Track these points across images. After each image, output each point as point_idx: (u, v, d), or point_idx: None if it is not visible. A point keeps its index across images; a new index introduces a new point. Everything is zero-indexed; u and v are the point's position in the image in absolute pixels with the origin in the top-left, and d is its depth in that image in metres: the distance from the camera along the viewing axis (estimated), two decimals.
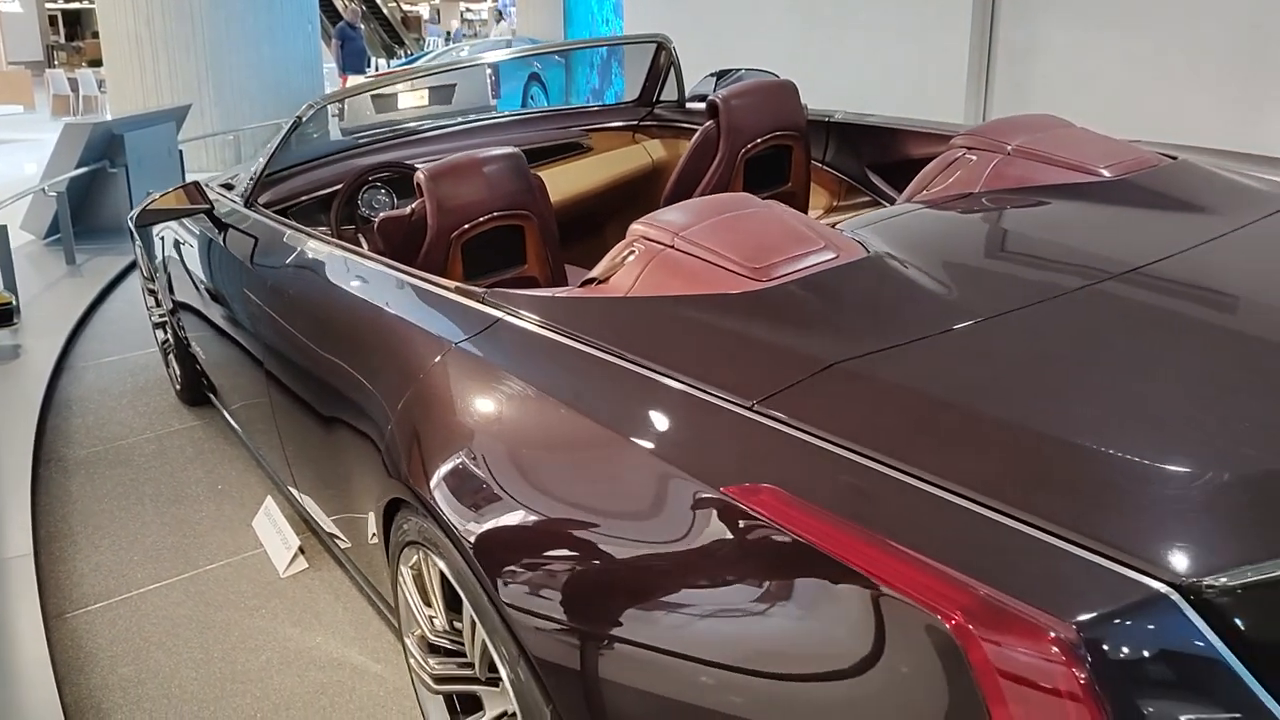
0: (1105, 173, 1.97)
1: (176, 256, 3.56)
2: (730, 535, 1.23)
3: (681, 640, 1.26)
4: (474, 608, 1.56)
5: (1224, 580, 1.05)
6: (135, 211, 3.02)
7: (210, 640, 2.65)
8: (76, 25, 23.54)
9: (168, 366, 4.43)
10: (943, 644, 1.03)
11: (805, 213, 2.76)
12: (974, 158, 2.13)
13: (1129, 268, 1.59)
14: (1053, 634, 0.99)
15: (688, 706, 1.24)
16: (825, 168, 3.38)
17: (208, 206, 3.05)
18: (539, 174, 2.75)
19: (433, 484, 1.61)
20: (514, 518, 1.48)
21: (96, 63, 10.58)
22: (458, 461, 1.60)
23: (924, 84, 5.51)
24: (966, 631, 1.01)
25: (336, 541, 2.55)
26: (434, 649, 1.89)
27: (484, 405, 1.64)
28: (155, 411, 4.29)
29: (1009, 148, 2.09)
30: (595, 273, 1.82)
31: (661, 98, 4.02)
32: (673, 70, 3.88)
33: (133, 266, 6.07)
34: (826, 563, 1.13)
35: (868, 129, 3.28)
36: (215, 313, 3.10)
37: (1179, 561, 1.06)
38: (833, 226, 1.81)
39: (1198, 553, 1.07)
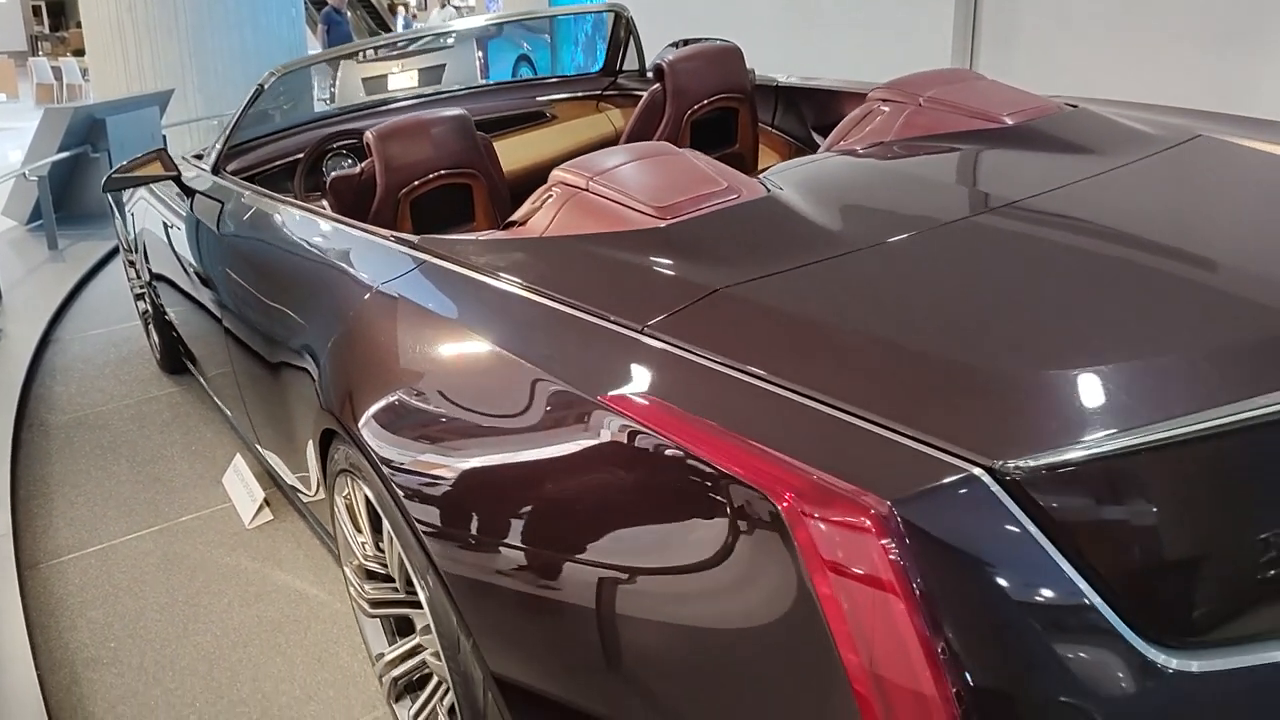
0: (1008, 120, 2.06)
1: (150, 227, 3.67)
2: (604, 439, 1.33)
3: (560, 539, 1.37)
4: (391, 526, 1.67)
5: (1033, 462, 1.15)
6: (105, 178, 3.12)
7: (176, 585, 2.76)
8: (61, 15, 23.53)
9: (148, 336, 4.54)
10: (774, 522, 1.13)
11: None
12: (888, 109, 2.23)
13: (1006, 201, 1.69)
14: (867, 509, 1.09)
15: (568, 604, 1.35)
16: (773, 130, 3.47)
17: (175, 173, 3.15)
18: (504, 141, 2.85)
19: (354, 412, 1.72)
20: (421, 438, 1.59)
21: (81, 52, 10.57)
22: (375, 390, 1.71)
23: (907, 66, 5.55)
24: (792, 508, 1.12)
25: (299, 495, 2.66)
26: (369, 575, 2.00)
27: (401, 338, 1.75)
28: (136, 380, 4.41)
29: (920, 99, 2.19)
30: (516, 216, 1.92)
31: (624, 68, 4.11)
32: (633, 40, 3.97)
33: (116, 252, 6.15)
34: (682, 456, 1.23)
35: (813, 91, 3.37)
36: (185, 280, 3.21)
37: (991, 445, 1.16)
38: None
39: (1009, 437, 1.17)
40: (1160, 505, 1.18)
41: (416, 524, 1.57)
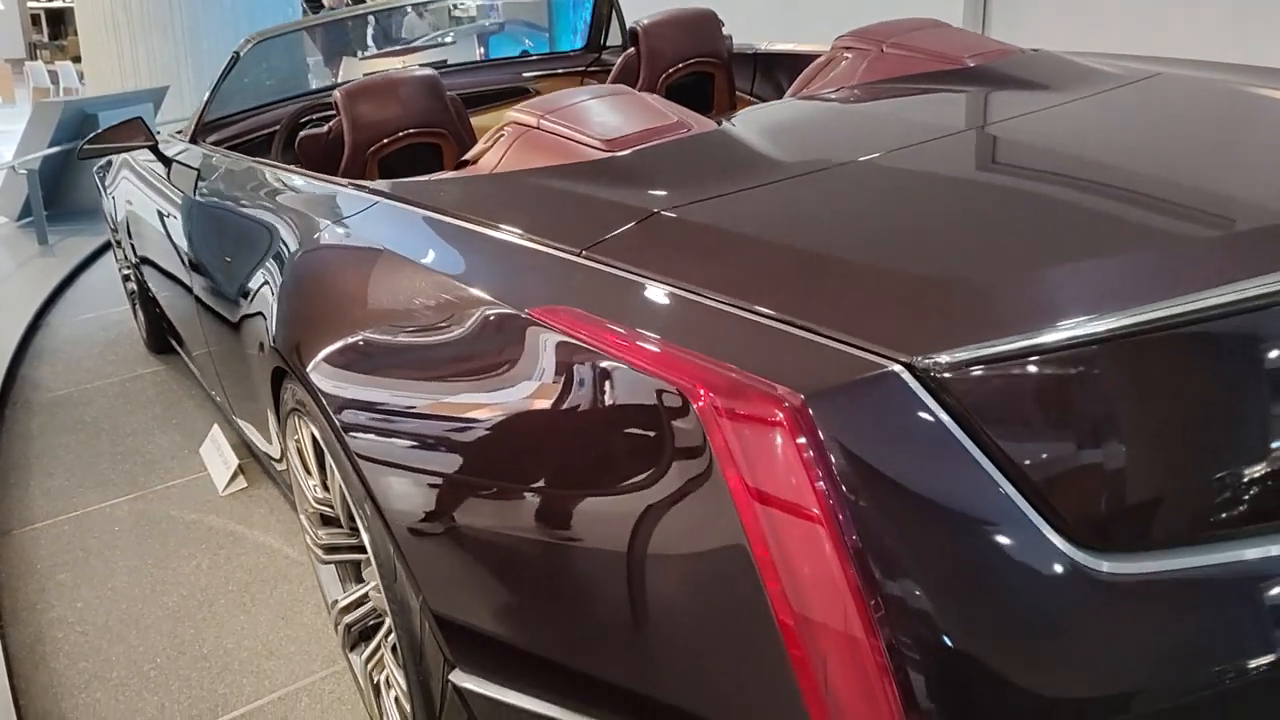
0: (969, 62, 2.05)
1: (132, 204, 3.67)
2: (531, 353, 1.32)
3: (489, 459, 1.35)
4: (331, 458, 1.66)
5: (952, 358, 1.13)
6: (80, 144, 3.12)
7: (146, 549, 2.76)
8: (60, 24, 23.65)
9: (135, 317, 4.54)
10: (692, 420, 1.11)
11: None
12: (851, 56, 2.21)
13: (952, 131, 1.67)
14: (780, 402, 1.07)
15: (496, 526, 1.34)
16: (752, 97, 3.46)
17: (152, 141, 3.15)
18: (487, 115, 2.84)
19: (299, 347, 1.71)
20: (358, 367, 1.58)
21: (79, 59, 10.55)
22: (319, 324, 1.70)
23: None
24: (707, 405, 1.10)
25: (272, 463, 2.65)
26: (323, 521, 1.98)
27: (345, 272, 1.74)
28: (123, 360, 4.41)
29: (883, 45, 2.17)
30: (468, 155, 1.91)
31: (608, 44, 4.10)
32: (616, 16, 3.96)
33: (107, 247, 6.14)
34: (605, 363, 1.21)
35: (790, 57, 3.36)
36: (164, 255, 3.20)
37: (910, 343, 1.14)
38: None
39: (929, 335, 1.15)
40: (1084, 405, 1.16)
41: (354, 453, 1.55)
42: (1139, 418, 1.17)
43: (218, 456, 3.17)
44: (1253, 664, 1.14)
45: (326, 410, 1.61)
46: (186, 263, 2.81)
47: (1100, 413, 1.16)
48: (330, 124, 2.65)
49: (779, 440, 1.07)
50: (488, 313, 1.40)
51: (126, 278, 4.51)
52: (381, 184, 1.87)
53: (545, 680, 1.34)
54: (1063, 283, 1.22)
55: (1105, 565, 1.14)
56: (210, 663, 2.26)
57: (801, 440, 1.07)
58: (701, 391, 1.11)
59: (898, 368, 1.13)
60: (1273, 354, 1.20)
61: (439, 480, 1.43)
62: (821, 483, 1.07)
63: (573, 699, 1.32)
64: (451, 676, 1.48)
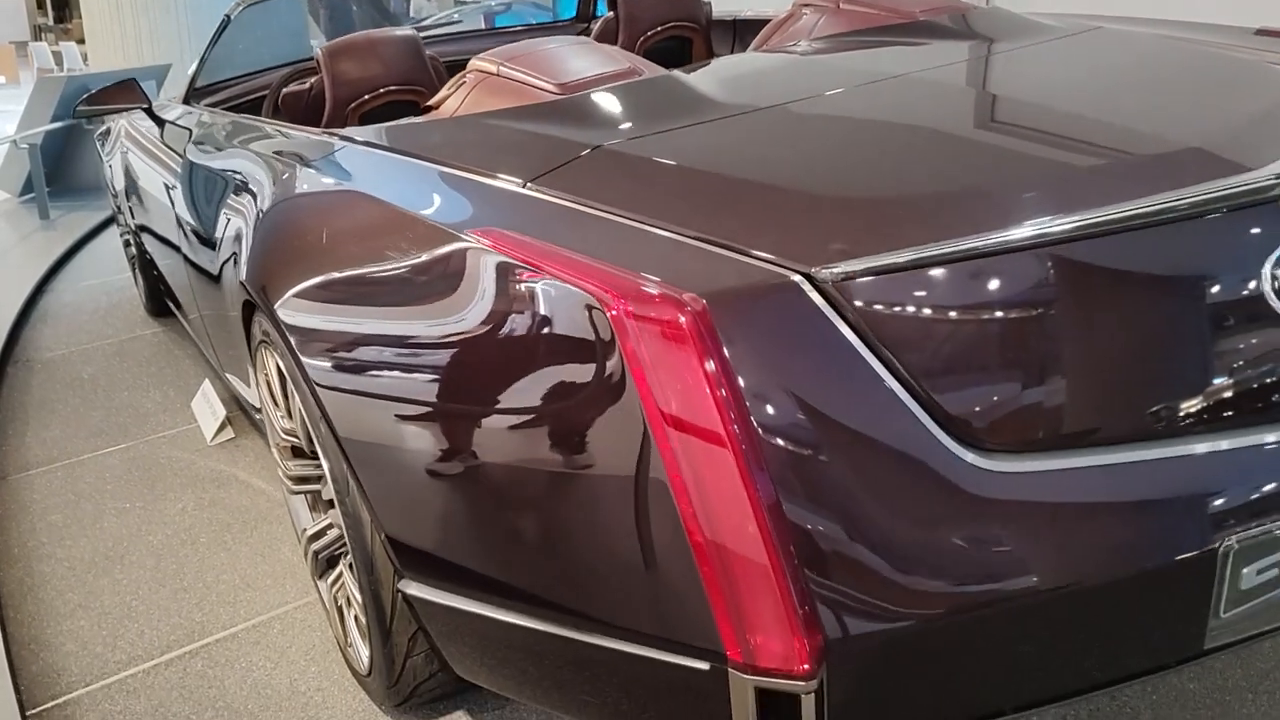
0: (919, 17, 2.11)
1: (129, 167, 3.76)
2: (468, 272, 1.40)
3: (425, 377, 1.43)
4: (291, 383, 1.74)
5: (848, 268, 1.20)
6: (75, 104, 3.21)
7: (135, 493, 2.86)
8: (64, 6, 23.72)
9: (135, 281, 4.64)
10: (605, 324, 1.19)
11: None
12: (809, 12, 2.28)
13: (887, 76, 1.74)
14: (683, 306, 1.15)
15: (433, 440, 1.42)
16: None
17: (146, 103, 3.24)
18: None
19: (264, 279, 1.80)
20: (314, 294, 1.66)
21: (84, 41, 10.60)
22: (281, 255, 1.78)
23: None
24: (618, 312, 1.18)
25: (256, 414, 2.74)
26: (294, 453, 2.07)
27: (311, 209, 1.82)
28: (123, 322, 4.52)
29: (839, 2, 2.24)
30: (431, 102, 1.99)
31: (597, 13, 4.17)
32: None
33: (109, 223, 6.22)
34: (532, 278, 1.29)
35: (768, 22, 3.41)
36: (158, 215, 3.29)
37: (810, 255, 1.22)
38: None
39: (827, 248, 1.23)
40: (974, 315, 1.23)
41: (310, 378, 1.63)
42: (1025, 329, 1.24)
43: (207, 409, 3.26)
44: (1124, 558, 1.22)
45: (286, 338, 1.69)
46: (178, 222, 2.90)
47: (989, 323, 1.24)
48: (312, 81, 2.73)
49: (682, 342, 1.15)
50: (433, 239, 1.48)
51: (127, 243, 4.61)
52: (349, 130, 1.95)
53: (483, 585, 1.42)
54: (957, 203, 1.30)
55: (992, 465, 1.22)
56: (190, 594, 2.35)
57: (703, 342, 1.15)
58: (611, 297, 1.19)
59: (798, 278, 1.20)
60: (1152, 273, 1.28)
61: (385, 400, 1.51)
62: (723, 389, 1.15)
63: (509, 603, 1.40)
64: (400, 585, 1.57)
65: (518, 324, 1.32)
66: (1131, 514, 1.23)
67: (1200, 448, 1.27)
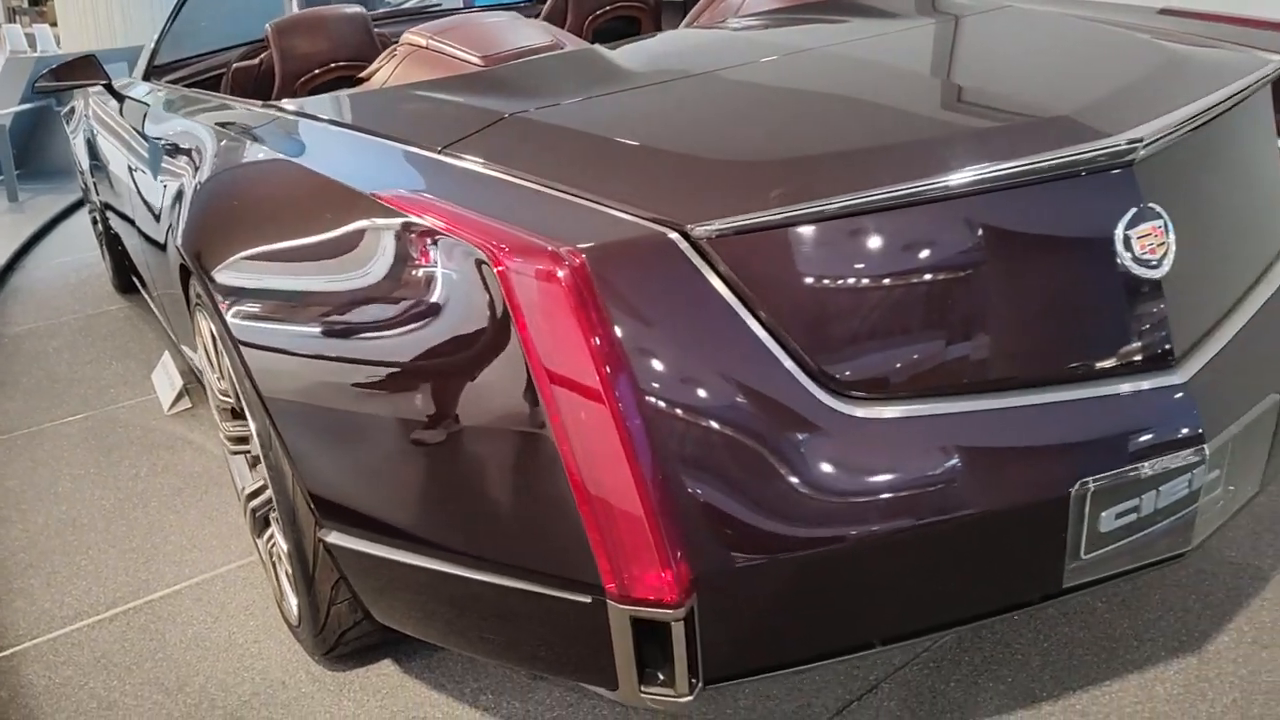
0: None
1: (94, 147, 3.81)
2: (376, 230, 1.47)
3: (340, 328, 1.50)
4: (220, 343, 1.81)
5: (721, 225, 1.28)
6: (34, 80, 3.26)
7: (90, 460, 2.92)
8: None
9: (104, 258, 4.69)
10: (490, 276, 1.27)
11: None
12: None
13: (786, 51, 1.82)
14: (561, 260, 1.23)
15: (348, 383, 1.49)
16: None
17: (106, 79, 3.29)
18: None
19: (196, 243, 1.86)
20: (241, 255, 1.73)
21: (57, 24, 10.56)
22: (214, 220, 1.85)
23: None
24: (504, 263, 1.25)
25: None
26: (232, 414, 2.14)
27: (242, 176, 1.89)
28: (91, 298, 4.57)
29: None
30: (364, 74, 2.06)
31: None
32: None
33: (78, 205, 6.23)
34: (429, 233, 1.36)
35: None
36: (120, 192, 3.34)
37: (685, 213, 1.29)
38: None
39: (703, 206, 1.30)
40: (839, 270, 1.31)
41: (234, 336, 1.70)
42: (887, 285, 1.32)
43: (166, 380, 3.33)
44: (981, 499, 1.30)
45: (214, 299, 1.76)
46: (135, 195, 2.95)
47: (854, 278, 1.31)
48: (261, 56, 2.79)
49: (560, 294, 1.23)
50: (344, 202, 1.55)
51: (94, 220, 4.66)
52: (284, 102, 2.02)
53: (393, 532, 1.50)
54: (831, 165, 1.37)
55: (855, 411, 1.30)
56: (138, 554, 2.42)
57: (580, 293, 1.22)
58: (496, 251, 1.26)
59: (675, 235, 1.28)
60: (1011, 232, 1.35)
61: (300, 357, 1.59)
62: (599, 339, 1.22)
63: (416, 547, 1.48)
64: (320, 534, 1.64)
65: (417, 281, 1.39)
66: (988, 457, 1.32)
67: (1053, 397, 1.35)
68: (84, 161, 4.20)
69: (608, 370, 1.22)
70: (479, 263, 1.27)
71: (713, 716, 1.74)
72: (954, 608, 1.38)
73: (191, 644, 2.07)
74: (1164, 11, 2.05)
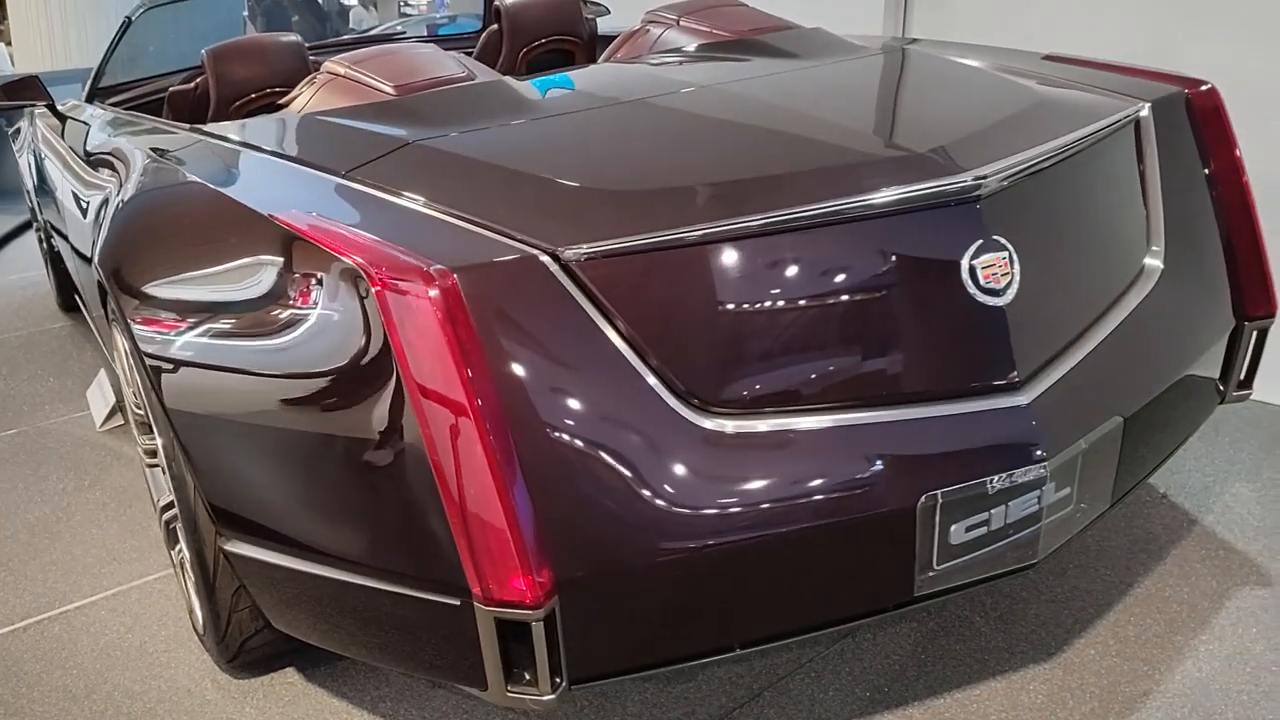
0: (745, 36, 2.29)
1: (38, 166, 3.85)
2: (271, 249, 1.54)
3: (235, 342, 1.57)
4: (131, 358, 1.87)
5: (590, 249, 1.36)
6: None
7: (19, 475, 2.95)
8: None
9: (49, 276, 4.71)
10: (369, 293, 1.34)
11: None
12: (651, 28, 2.46)
13: (681, 87, 1.93)
14: (432, 279, 1.30)
15: (242, 398, 1.56)
16: None
17: (48, 100, 3.34)
18: None
19: (111, 261, 1.92)
20: (150, 273, 1.79)
21: (11, 43, 10.51)
22: (129, 238, 1.92)
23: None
24: (380, 278, 1.32)
25: None
26: (147, 427, 2.19)
27: (159, 197, 1.95)
28: (34, 316, 4.58)
29: (679, 20, 2.41)
30: (284, 100, 2.14)
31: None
32: None
33: (28, 225, 6.21)
34: (314, 252, 1.44)
35: None
36: (60, 210, 3.39)
37: (557, 237, 1.37)
38: None
39: (573, 231, 1.39)
40: (700, 293, 1.40)
41: (141, 351, 1.76)
42: (747, 306, 1.41)
43: (100, 397, 3.36)
44: (832, 510, 1.38)
45: (124, 313, 1.82)
46: (71, 214, 3.00)
47: (715, 300, 1.40)
48: (197, 80, 2.86)
49: (431, 311, 1.30)
50: (245, 223, 1.62)
51: (40, 239, 4.68)
52: (208, 126, 2.09)
53: (285, 540, 1.56)
54: (696, 195, 1.46)
55: (713, 425, 1.38)
56: (57, 567, 2.46)
57: (450, 311, 1.30)
58: (374, 270, 1.33)
59: (545, 257, 1.36)
60: (864, 260, 1.45)
61: (200, 370, 1.65)
62: (468, 355, 1.30)
63: (305, 555, 1.54)
64: (220, 543, 1.70)
65: (305, 298, 1.46)
66: (839, 470, 1.40)
67: (902, 414, 1.44)
68: (29, 181, 4.24)
69: (474, 385, 1.29)
70: (358, 280, 1.35)
71: None
72: (811, 613, 1.46)
73: (103, 653, 2.11)
74: (1048, 58, 2.17)
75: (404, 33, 10.67)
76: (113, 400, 3.28)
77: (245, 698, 1.94)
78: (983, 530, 1.49)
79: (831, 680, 1.86)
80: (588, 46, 3.44)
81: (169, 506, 2.16)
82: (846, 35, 2.35)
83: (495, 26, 3.34)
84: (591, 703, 1.85)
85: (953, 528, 1.47)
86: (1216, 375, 1.90)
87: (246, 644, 1.87)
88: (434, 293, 1.30)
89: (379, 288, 1.33)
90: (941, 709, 1.78)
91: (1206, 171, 1.88)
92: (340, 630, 1.59)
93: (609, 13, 4.12)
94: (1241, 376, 1.93)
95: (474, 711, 1.86)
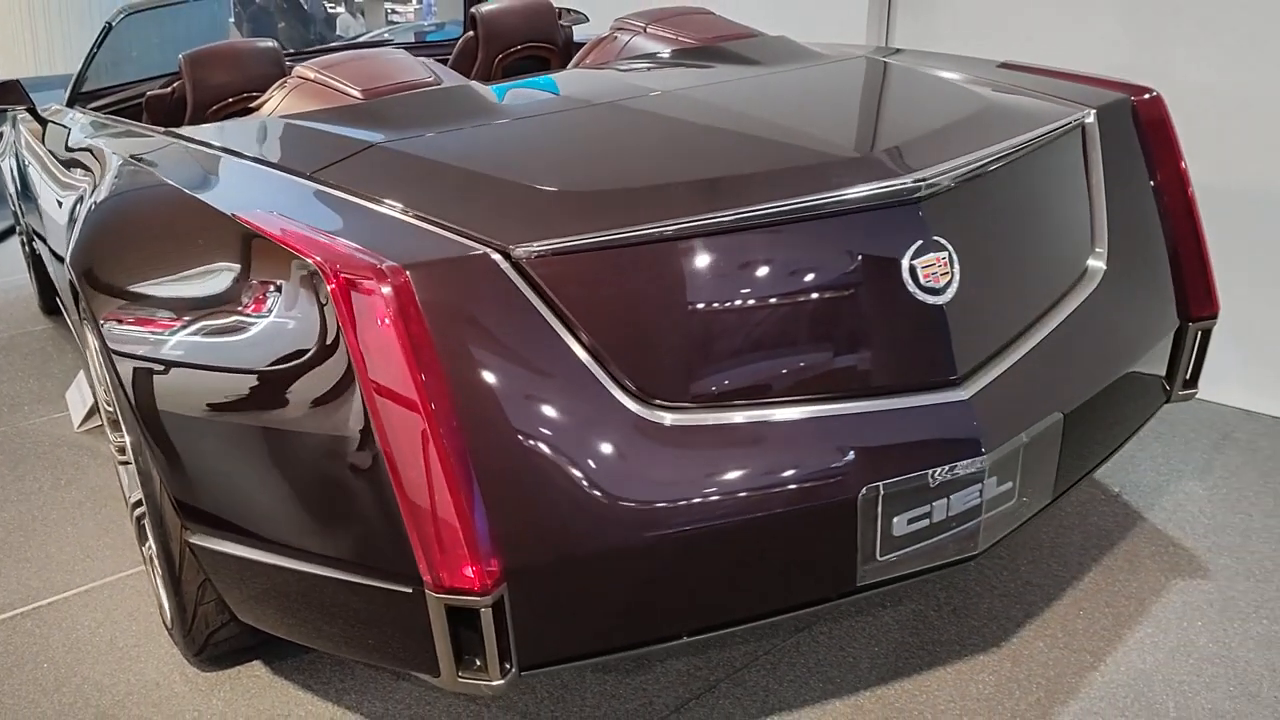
0: (709, 43, 2.34)
1: (20, 170, 3.89)
2: (233, 247, 1.58)
3: (200, 339, 1.61)
4: (101, 356, 1.90)
5: (539, 247, 1.41)
6: None
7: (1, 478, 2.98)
8: None
9: (31, 279, 4.74)
10: (324, 290, 1.38)
11: None
12: (620, 35, 2.51)
13: (644, 92, 1.97)
14: (385, 276, 1.34)
15: (204, 395, 1.59)
16: None
17: (29, 104, 3.38)
18: None
19: (81, 260, 1.96)
20: (119, 272, 1.83)
21: None
22: (100, 238, 1.95)
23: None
24: (334, 275, 1.36)
25: None
26: (117, 425, 2.23)
27: (130, 198, 1.99)
28: (16, 319, 4.61)
29: (646, 27, 2.46)
30: (255, 104, 2.18)
31: None
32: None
33: (11, 231, 6.23)
34: (277, 251, 1.48)
35: None
36: (40, 213, 3.42)
37: (507, 236, 1.42)
38: None
39: (523, 230, 1.43)
40: (646, 290, 1.45)
41: (110, 349, 1.80)
42: (694, 302, 1.45)
43: (79, 398, 3.39)
44: (774, 501, 1.43)
45: (93, 312, 1.86)
46: (50, 216, 3.04)
47: (660, 297, 1.45)
48: (174, 85, 2.90)
49: (383, 306, 1.34)
50: (210, 222, 1.66)
51: (23, 243, 4.71)
52: (181, 129, 2.13)
53: (247, 532, 1.60)
54: (646, 196, 1.51)
55: (657, 417, 1.43)
56: (31, 564, 2.49)
57: (403, 306, 1.34)
58: (329, 267, 1.37)
59: (496, 255, 1.40)
60: (807, 259, 1.50)
61: (165, 367, 1.69)
62: (419, 350, 1.34)
63: (266, 546, 1.58)
64: (186, 536, 1.74)
65: (265, 294, 1.50)
66: (783, 463, 1.45)
67: (844, 409, 1.49)
68: (11, 185, 4.27)
69: (425, 380, 1.33)
70: (314, 277, 1.39)
71: (561, 714, 1.84)
72: (756, 602, 1.51)
73: (74, 647, 2.15)
74: (1003, 65, 2.22)
75: (391, 40, 10.71)
76: (91, 401, 3.31)
77: (212, 690, 1.98)
78: (925, 522, 1.54)
79: (786, 672, 1.91)
80: (563, 52, 3.48)
81: (139, 503, 2.19)
82: (815, 44, 2.40)
83: (471, 33, 3.39)
84: (551, 694, 1.89)
85: (895, 519, 1.51)
86: (1162, 374, 1.95)
87: (213, 637, 1.91)
88: (387, 289, 1.34)
89: (334, 284, 1.37)
90: (892, 699, 1.82)
91: (1151, 176, 1.93)
92: (301, 621, 1.63)
93: (587, 20, 4.17)
94: (1187, 376, 1.98)
95: (435, 704, 1.89)
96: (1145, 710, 1.76)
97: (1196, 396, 2.02)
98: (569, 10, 4.23)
